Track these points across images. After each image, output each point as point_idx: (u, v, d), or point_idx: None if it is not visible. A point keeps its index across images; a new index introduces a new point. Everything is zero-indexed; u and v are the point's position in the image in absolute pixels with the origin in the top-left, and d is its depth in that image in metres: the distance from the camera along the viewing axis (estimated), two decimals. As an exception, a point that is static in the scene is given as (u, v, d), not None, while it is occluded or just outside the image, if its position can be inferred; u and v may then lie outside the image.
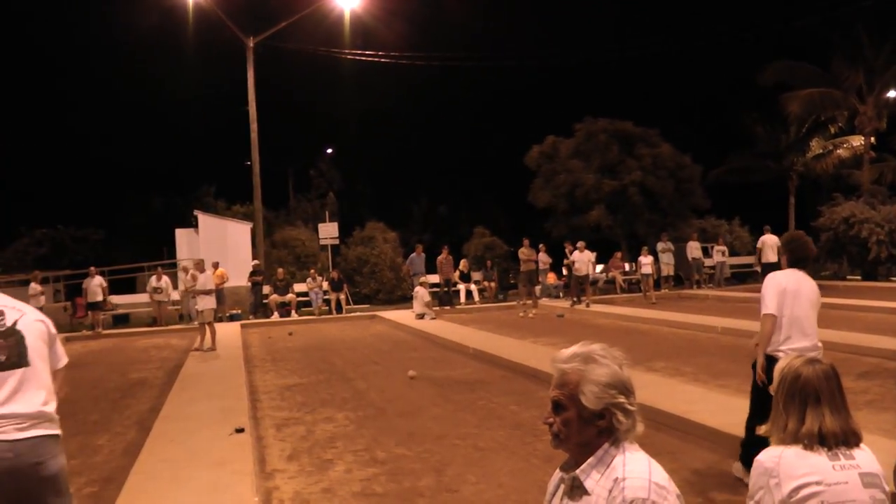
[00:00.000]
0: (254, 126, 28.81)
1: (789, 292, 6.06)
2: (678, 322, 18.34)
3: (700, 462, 7.34)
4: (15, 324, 3.98)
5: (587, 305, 23.77)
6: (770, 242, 24.71)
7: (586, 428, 2.41)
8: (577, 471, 2.42)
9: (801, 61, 32.83)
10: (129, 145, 57.57)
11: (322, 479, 7.31)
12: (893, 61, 30.62)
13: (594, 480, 2.37)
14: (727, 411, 8.60)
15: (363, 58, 33.38)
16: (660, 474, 2.36)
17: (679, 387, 10.58)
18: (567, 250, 25.45)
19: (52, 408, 3.93)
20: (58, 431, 3.90)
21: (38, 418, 3.82)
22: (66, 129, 57.60)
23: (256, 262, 26.82)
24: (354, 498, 6.72)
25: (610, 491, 2.32)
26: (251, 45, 28.80)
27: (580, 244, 25.00)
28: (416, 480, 7.12)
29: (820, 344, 6.20)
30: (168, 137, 58.93)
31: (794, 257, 6.32)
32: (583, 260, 24.58)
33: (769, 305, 6.07)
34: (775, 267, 23.18)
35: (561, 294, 25.95)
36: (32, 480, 3.71)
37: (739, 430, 7.58)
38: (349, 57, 33.08)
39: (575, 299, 24.45)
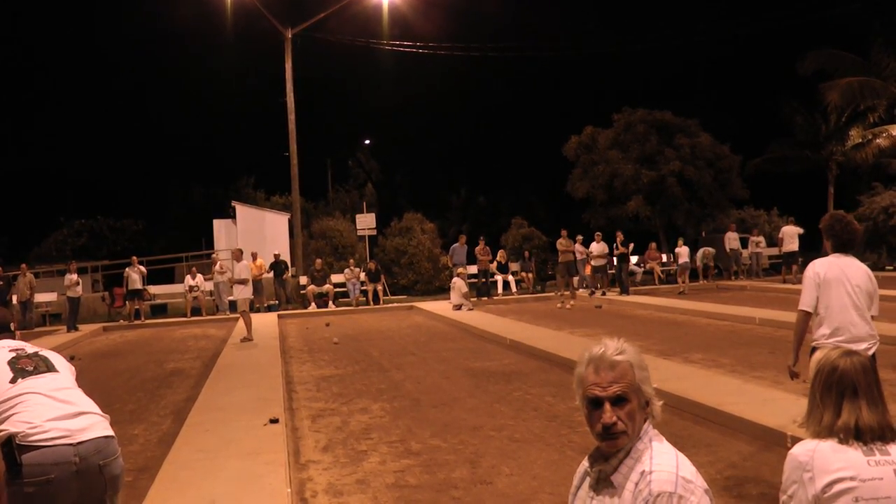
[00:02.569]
0: (291, 117, 28.97)
1: (831, 281, 5.73)
2: (716, 313, 18.20)
3: (736, 455, 7.27)
4: (37, 351, 4.15)
5: (602, 294, 24.72)
6: (790, 232, 25.55)
7: (642, 418, 2.44)
8: (605, 464, 2.40)
9: (841, 49, 32.45)
10: (169, 136, 58.01)
11: (356, 470, 7.32)
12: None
13: (621, 474, 2.36)
14: (764, 403, 8.53)
15: (401, 48, 33.43)
16: (687, 468, 2.33)
17: (716, 378, 10.50)
18: (618, 240, 25.42)
19: (99, 409, 4.01)
20: (113, 433, 3.96)
21: (95, 419, 3.89)
22: (108, 120, 58.23)
23: (276, 252, 26.81)
24: (388, 489, 6.73)
25: (636, 484, 2.30)
26: (289, 36, 28.97)
27: (597, 235, 25.38)
28: (450, 472, 7.12)
29: (876, 333, 5.84)
30: (209, 128, 59.36)
31: (838, 241, 5.89)
32: (600, 251, 24.84)
33: (804, 300, 5.85)
34: (795, 256, 23.19)
35: (598, 286, 25.89)
36: (98, 482, 3.78)
37: (776, 422, 7.52)
38: (387, 47, 33.11)
39: (593, 289, 24.81)
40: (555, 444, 7.84)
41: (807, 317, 5.85)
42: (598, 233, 26.04)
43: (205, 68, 65.05)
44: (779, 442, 7.16)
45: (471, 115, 60.69)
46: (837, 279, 5.74)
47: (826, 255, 5.92)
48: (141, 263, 24.56)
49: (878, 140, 35.02)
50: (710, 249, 27.76)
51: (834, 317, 5.73)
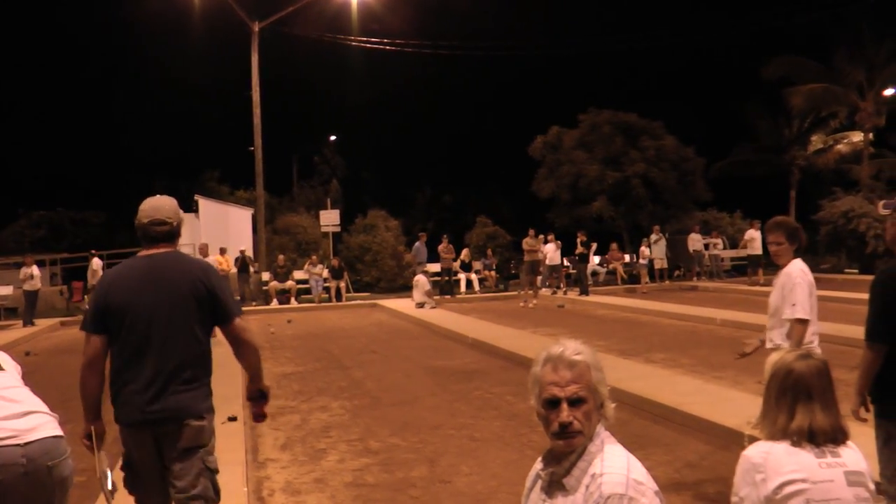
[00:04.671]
0: (257, 111, 28.79)
1: (812, 285, 5.77)
2: (677, 314, 18.31)
3: (694, 454, 7.32)
4: None
5: (564, 293, 25.03)
6: (755, 235, 25.86)
7: (596, 419, 2.45)
8: (557, 466, 2.40)
9: (804, 56, 32.80)
10: (132, 128, 57.55)
11: (314, 468, 7.29)
12: (894, 59, 30.59)
13: (573, 476, 2.36)
14: (722, 403, 8.60)
15: (368, 45, 33.35)
16: (638, 470, 2.34)
17: (676, 378, 10.57)
18: (579, 240, 25.49)
19: (47, 408, 3.91)
20: (62, 432, 3.85)
21: (44, 419, 3.79)
22: (69, 110, 57.66)
23: (242, 248, 26.59)
24: (346, 488, 6.70)
25: (588, 486, 2.30)
26: (256, 29, 28.76)
27: (550, 236, 25.43)
28: (408, 471, 7.11)
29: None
30: (173, 121, 58.92)
31: (800, 246, 5.90)
32: (553, 250, 25.24)
33: (805, 307, 5.65)
34: (760, 259, 23.43)
35: (562, 285, 25.98)
36: (46, 484, 3.66)
37: (734, 422, 7.58)
38: (354, 44, 33.01)
39: (556, 289, 25.07)
40: (514, 443, 7.85)
41: (807, 326, 5.70)
42: (551, 234, 26.24)
43: (170, 59, 64.68)
44: (736, 441, 7.19)
45: (438, 114, 60.87)
46: (812, 282, 5.79)
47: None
48: (101, 257, 24.28)
49: (838, 146, 35.63)
50: (662, 237, 27.88)
51: (813, 319, 5.77)
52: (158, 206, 4.36)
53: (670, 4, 63.10)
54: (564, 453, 2.41)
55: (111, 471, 4.27)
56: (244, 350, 4.27)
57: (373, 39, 33.63)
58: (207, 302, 4.19)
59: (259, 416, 4.52)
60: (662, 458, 7.19)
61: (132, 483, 4.25)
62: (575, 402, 2.40)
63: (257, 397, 4.44)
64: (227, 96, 54.52)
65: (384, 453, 7.72)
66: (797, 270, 5.76)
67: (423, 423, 8.89)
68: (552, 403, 2.42)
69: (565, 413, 2.39)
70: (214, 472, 4.22)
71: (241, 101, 30.03)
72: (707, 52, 54.18)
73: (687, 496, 6.24)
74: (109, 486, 4.22)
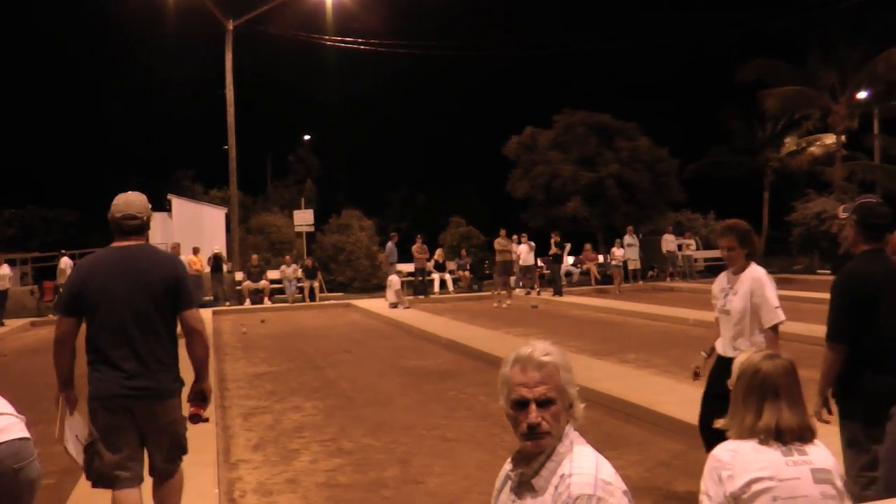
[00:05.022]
0: (231, 110, 28.63)
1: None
2: (651, 314, 18.39)
3: (666, 453, 7.35)
4: None
5: (538, 293, 24.98)
6: None
7: (566, 419, 2.45)
8: (526, 467, 2.40)
9: (778, 59, 33.00)
10: (105, 126, 57.03)
11: (287, 469, 7.27)
12: (866, 62, 30.82)
13: (542, 477, 2.36)
14: (694, 403, 8.58)
15: (343, 44, 33.27)
16: (607, 470, 2.34)
17: (649, 378, 10.61)
18: (553, 241, 25.55)
19: (13, 410, 3.87)
20: (29, 434, 3.81)
21: (10, 420, 3.74)
22: (41, 108, 57.10)
23: (216, 248, 26.48)
24: (318, 488, 6.68)
25: (556, 487, 2.31)
26: (230, 27, 28.61)
27: (523, 236, 25.51)
28: (381, 471, 7.09)
29: None
30: (147, 118, 58.52)
31: (754, 249, 5.82)
32: (526, 251, 25.15)
33: (781, 309, 5.58)
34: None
35: (536, 286, 26.02)
36: (13, 486, 3.58)
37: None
38: (329, 43, 32.92)
39: (529, 289, 25.09)
40: (487, 443, 7.85)
41: None
42: (524, 234, 26.30)
43: (145, 57, 63.96)
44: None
45: (413, 113, 60.76)
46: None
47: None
48: (72, 256, 24.09)
49: (811, 148, 35.86)
50: (635, 239, 28.02)
51: None
52: (130, 201, 4.82)
53: (646, 6, 63.38)
54: (533, 454, 2.42)
55: (82, 433, 4.71)
56: (194, 338, 4.69)
57: (347, 39, 33.58)
58: (173, 290, 4.64)
59: (196, 418, 4.81)
60: (635, 458, 7.22)
61: (105, 444, 4.61)
62: (543, 404, 2.40)
63: (199, 398, 4.83)
64: (202, 95, 54.20)
65: (357, 454, 7.70)
66: (764, 274, 5.68)
67: (397, 424, 8.87)
68: (521, 404, 2.43)
69: (533, 414, 2.40)
70: (184, 435, 4.83)
71: (216, 100, 29.88)
72: (683, 54, 54.59)
73: (658, 495, 6.26)
74: (76, 449, 4.67)
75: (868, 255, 4.76)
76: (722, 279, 5.95)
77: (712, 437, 5.80)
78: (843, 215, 5.01)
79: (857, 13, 30.83)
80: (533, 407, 2.40)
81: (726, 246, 5.72)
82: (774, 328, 5.53)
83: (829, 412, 4.69)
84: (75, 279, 4.69)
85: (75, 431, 4.71)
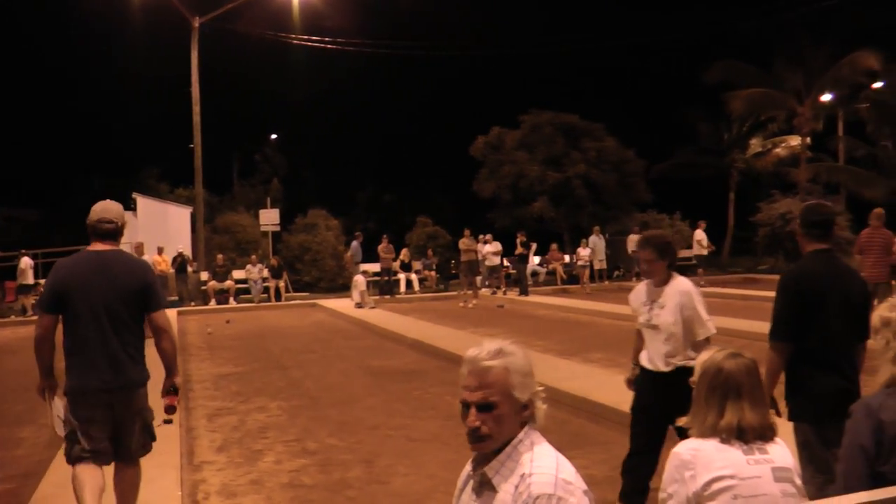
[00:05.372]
0: (196, 108, 28.39)
1: None
2: (616, 313, 18.42)
3: (631, 454, 7.35)
4: None
5: (504, 293, 25.07)
6: (700, 236, 26.41)
7: (514, 422, 2.42)
8: (486, 467, 2.39)
9: (745, 61, 33.28)
10: (69, 124, 56.41)
11: (251, 470, 7.23)
12: (831, 65, 31.15)
13: (502, 477, 2.35)
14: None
15: (310, 43, 33.13)
16: (567, 470, 2.33)
17: (614, 378, 10.58)
18: (519, 241, 25.57)
19: None
20: None
21: None
22: (2, 105, 56.45)
23: (180, 248, 26.27)
24: (282, 489, 6.65)
25: (517, 487, 2.30)
26: (196, 24, 28.38)
27: (488, 237, 25.53)
28: (345, 472, 7.07)
29: None
30: (112, 116, 57.84)
31: (673, 261, 5.61)
32: (492, 251, 25.13)
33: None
34: (706, 260, 23.87)
35: (502, 286, 26.04)
36: None
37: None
38: (296, 42, 32.79)
39: (495, 289, 25.11)
40: (452, 443, 7.82)
41: None
42: (489, 234, 26.36)
43: (109, 54, 63.49)
44: (673, 439, 7.25)
45: (380, 112, 60.67)
46: None
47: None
48: (34, 256, 23.83)
49: (777, 149, 36.36)
50: (600, 239, 28.15)
51: None
52: (107, 208, 5.31)
53: (615, 7, 63.60)
54: (482, 453, 2.41)
55: (64, 413, 5.18)
56: (162, 337, 5.23)
57: (314, 38, 33.47)
58: (143, 294, 5.15)
59: (170, 409, 5.37)
60: (600, 457, 7.24)
61: (84, 435, 5.01)
62: (483, 408, 2.40)
63: (172, 391, 5.33)
64: (168, 93, 53.77)
65: (321, 454, 7.67)
66: (691, 287, 5.50)
67: (361, 424, 8.86)
68: (464, 407, 2.44)
69: (471, 417, 2.41)
70: (151, 422, 5.33)
71: (182, 98, 29.67)
72: (650, 55, 54.80)
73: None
74: (62, 428, 5.20)
75: (815, 254, 4.78)
76: (641, 291, 5.76)
77: (641, 445, 5.84)
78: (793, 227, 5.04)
79: (823, 17, 31.17)
80: (473, 410, 2.41)
81: (645, 259, 5.54)
82: (707, 340, 5.34)
83: (778, 413, 4.69)
84: (57, 280, 5.11)
85: (57, 413, 5.23)
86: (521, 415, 2.43)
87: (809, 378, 4.59)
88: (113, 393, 5.04)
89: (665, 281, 5.52)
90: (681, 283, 5.49)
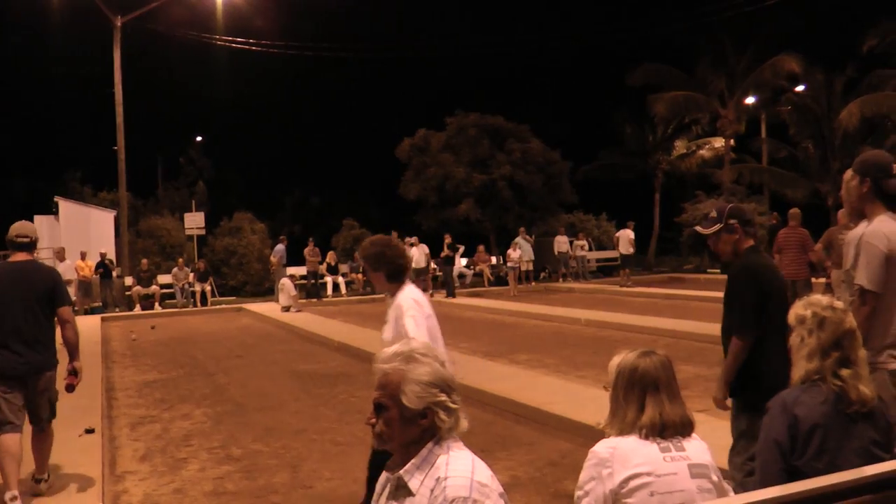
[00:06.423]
0: (119, 110, 27.87)
1: (431, 316, 5.24)
2: (543, 315, 18.59)
3: (556, 453, 7.43)
4: None
5: (431, 296, 24.50)
6: (626, 236, 26.52)
7: (409, 428, 2.41)
8: (402, 471, 2.39)
9: (668, 64, 33.73)
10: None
11: (174, 479, 7.13)
12: (754, 68, 31.70)
13: (418, 480, 2.35)
14: (584, 402, 8.73)
15: (235, 44, 32.85)
16: (483, 472, 2.35)
17: (540, 379, 10.70)
18: (445, 243, 25.60)
19: None
20: None
21: None
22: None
23: (103, 252, 25.80)
24: (206, 497, 6.58)
25: (432, 490, 2.30)
26: (119, 24, 27.86)
27: (414, 239, 25.55)
28: (270, 477, 7.02)
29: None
30: (32, 119, 56.63)
31: (399, 269, 5.28)
32: (417, 253, 25.09)
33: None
34: (629, 260, 24.28)
35: (428, 288, 26.05)
36: None
37: (595, 420, 7.71)
38: (221, 43, 32.46)
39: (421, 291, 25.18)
40: (378, 447, 7.80)
41: None
42: (415, 237, 26.27)
43: (29, 53, 62.15)
44: (598, 439, 7.32)
45: (306, 115, 60.53)
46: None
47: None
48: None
49: (701, 151, 36.97)
50: (527, 240, 28.29)
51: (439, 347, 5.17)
52: (23, 225, 6.43)
53: (541, 9, 64.13)
54: (406, 459, 2.41)
55: None
56: (67, 328, 6.32)
57: (239, 39, 33.26)
58: (51, 293, 6.27)
59: (70, 388, 6.44)
60: (524, 458, 7.28)
61: (4, 406, 6.06)
62: (377, 408, 2.43)
63: (73, 373, 6.44)
64: (90, 94, 52.78)
65: (246, 460, 7.61)
66: (408, 300, 5.10)
67: (287, 429, 8.80)
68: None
69: (369, 416, 2.46)
70: (55, 401, 6.56)
71: (104, 99, 29.13)
72: (576, 58, 55.31)
73: (548, 494, 6.33)
74: None
75: (754, 250, 4.92)
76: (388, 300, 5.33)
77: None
78: (705, 231, 5.03)
79: (746, 21, 31.70)
80: (372, 409, 2.45)
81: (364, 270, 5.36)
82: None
83: (725, 407, 4.77)
84: None
85: None
86: (419, 423, 2.39)
87: (759, 370, 4.66)
88: (26, 374, 6.13)
89: (394, 293, 5.21)
90: (398, 297, 5.16)
